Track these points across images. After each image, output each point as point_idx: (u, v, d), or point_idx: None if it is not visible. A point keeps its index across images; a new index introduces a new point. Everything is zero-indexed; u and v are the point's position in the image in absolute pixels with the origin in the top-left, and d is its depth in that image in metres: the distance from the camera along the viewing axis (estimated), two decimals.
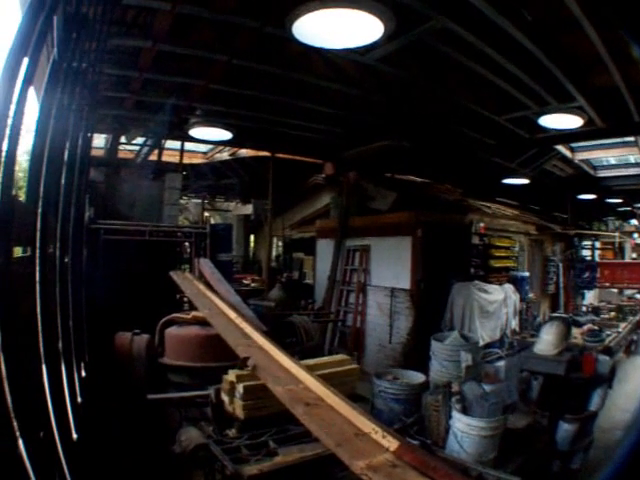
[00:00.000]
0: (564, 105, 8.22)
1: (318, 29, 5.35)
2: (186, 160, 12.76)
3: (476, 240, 11.48)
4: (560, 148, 11.34)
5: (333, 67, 7.38)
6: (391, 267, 10.44)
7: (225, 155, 13.58)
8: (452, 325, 10.23)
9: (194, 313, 7.07)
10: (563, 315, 12.96)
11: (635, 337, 15.16)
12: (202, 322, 6.74)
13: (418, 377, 7.40)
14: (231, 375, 5.14)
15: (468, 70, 7.16)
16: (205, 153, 14.07)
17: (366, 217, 11.10)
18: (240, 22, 6.06)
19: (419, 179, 11.73)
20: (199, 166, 14.11)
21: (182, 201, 16.34)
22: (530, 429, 6.92)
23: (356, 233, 11.20)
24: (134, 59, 7.09)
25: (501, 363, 8.42)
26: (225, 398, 5.22)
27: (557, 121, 8.81)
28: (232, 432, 4.95)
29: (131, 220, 9.67)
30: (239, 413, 5.00)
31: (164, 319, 7.02)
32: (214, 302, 7.16)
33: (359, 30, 5.37)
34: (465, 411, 6.36)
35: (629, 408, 10.05)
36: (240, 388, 4.98)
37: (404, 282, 10.13)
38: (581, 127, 8.97)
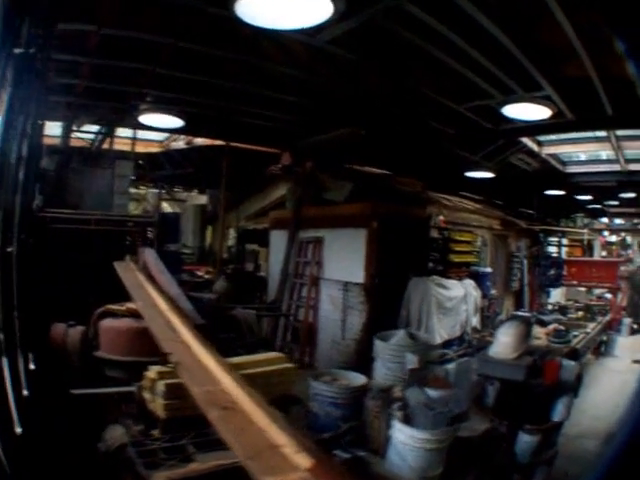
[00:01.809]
0: (530, 94, 7.87)
1: (263, 9, 5.12)
2: (142, 149, 12.61)
3: (435, 234, 11.20)
4: (526, 141, 11.11)
5: (284, 51, 7.06)
6: (345, 260, 10.17)
7: (181, 144, 13.26)
8: (409, 321, 9.96)
9: (128, 305, 6.73)
10: (524, 314, 12.76)
11: (605, 338, 15.00)
12: (137, 314, 6.39)
13: (359, 379, 6.94)
14: (152, 372, 4.88)
15: (428, 55, 6.80)
16: (161, 142, 13.74)
17: (320, 208, 10.85)
18: (183, 2, 5.83)
19: (378, 170, 11.37)
20: (155, 155, 13.76)
21: (141, 191, 16.23)
22: (486, 439, 6.55)
23: (310, 224, 10.94)
24: (82, 44, 6.83)
25: (452, 365, 7.82)
26: (146, 396, 4.94)
27: (523, 112, 8.39)
28: (156, 432, 4.69)
29: (82, 209, 9.54)
30: (160, 412, 4.73)
31: (99, 310, 6.69)
32: (150, 294, 6.82)
33: (307, 9, 5.14)
34: (408, 420, 5.97)
35: (598, 415, 9.96)
36: (161, 386, 4.70)
37: (358, 276, 9.84)
38: (549, 119, 8.55)
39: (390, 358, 7.40)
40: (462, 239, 11.77)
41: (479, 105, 8.65)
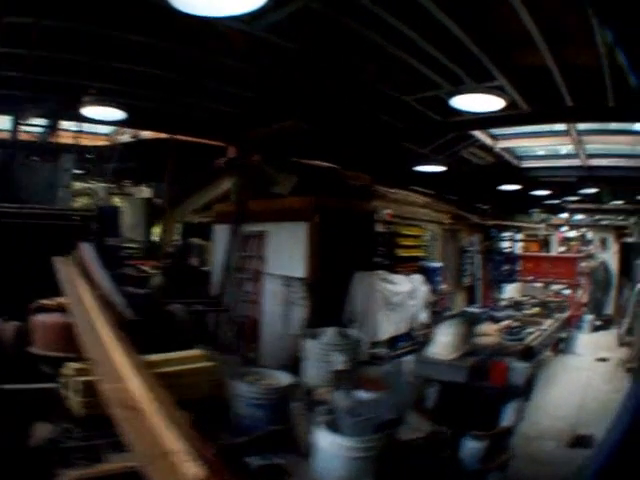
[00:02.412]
0: (481, 84, 7.54)
1: None
2: (88, 142, 12.25)
3: (381, 228, 10.97)
4: (479, 135, 10.94)
5: (223, 40, 6.74)
6: (287, 254, 9.98)
7: (127, 137, 12.98)
8: (354, 317, 9.77)
9: (58, 300, 6.53)
10: (475, 310, 12.56)
11: (564, 335, 14.88)
12: (68, 309, 6.22)
13: (285, 379, 6.63)
14: (70, 368, 4.60)
15: (373, 45, 6.54)
16: (108, 135, 13.43)
17: (264, 202, 10.66)
18: None
19: (325, 164, 11.15)
20: (103, 148, 13.48)
21: (92, 185, 15.96)
22: (428, 444, 6.19)
23: (254, 218, 10.76)
24: (23, 36, 6.61)
25: (387, 366, 7.55)
26: (66, 392, 4.66)
27: (474, 103, 7.98)
28: (77, 430, 4.47)
29: (28, 203, 9.15)
30: (78, 410, 4.41)
31: (33, 305, 6.48)
32: (79, 289, 6.60)
33: None
34: (334, 425, 5.65)
35: (559, 414, 9.87)
36: (78, 383, 4.40)
37: (300, 270, 9.64)
38: (502, 111, 8.17)
39: (320, 357, 7.03)
40: (410, 233, 11.61)
41: (428, 96, 8.37)
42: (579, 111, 8.69)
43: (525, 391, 7.23)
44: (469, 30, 5.96)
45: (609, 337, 18.17)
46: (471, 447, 6.22)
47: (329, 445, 5.45)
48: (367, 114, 9.12)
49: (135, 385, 4.03)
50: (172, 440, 3.26)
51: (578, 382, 12.31)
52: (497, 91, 7.55)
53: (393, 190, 11.44)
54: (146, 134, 12.55)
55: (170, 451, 3.16)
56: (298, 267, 9.67)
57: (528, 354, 9.81)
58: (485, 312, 12.61)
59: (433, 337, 7.32)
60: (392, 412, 6.12)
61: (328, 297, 9.60)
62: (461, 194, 15.38)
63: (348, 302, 9.83)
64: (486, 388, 6.66)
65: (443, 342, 6.89)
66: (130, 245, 14.58)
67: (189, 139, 11.37)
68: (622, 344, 15.16)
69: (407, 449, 5.96)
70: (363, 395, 6.03)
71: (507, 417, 6.71)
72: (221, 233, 11.63)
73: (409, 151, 10.76)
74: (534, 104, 8.36)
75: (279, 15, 5.76)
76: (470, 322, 7.74)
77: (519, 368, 7.19)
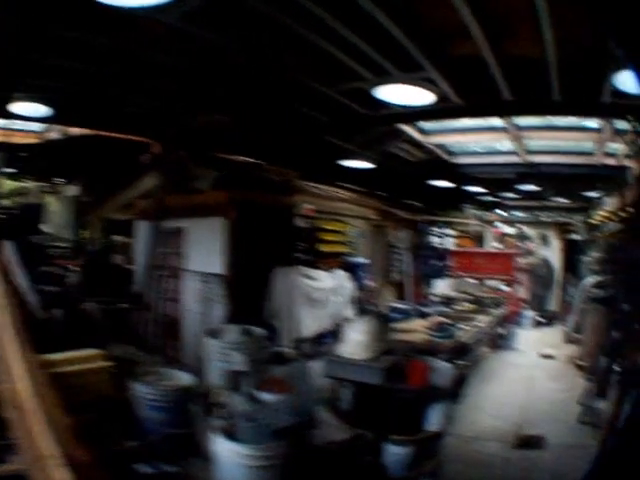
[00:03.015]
0: (408, 75, 7.01)
1: None
2: (18, 140, 12.11)
3: (303, 223, 10.83)
4: (409, 130, 10.70)
5: (143, 32, 6.51)
6: (205, 251, 9.88)
7: (57, 134, 12.75)
8: (275, 314, 9.72)
9: None
10: (402, 306, 12.45)
11: (502, 331, 14.91)
12: None
13: (185, 380, 6.41)
14: None
15: (294, 33, 6.07)
16: (38, 132, 13.16)
17: (184, 197, 10.51)
18: None
19: (249, 159, 11.02)
20: (33, 146, 13.27)
21: (23, 184, 15.74)
22: (347, 449, 5.97)
23: (174, 214, 10.58)
24: None
25: (294, 366, 7.07)
26: None
27: (401, 95, 7.58)
28: None
29: None
30: None
31: None
32: None
33: None
34: (231, 431, 5.38)
35: (499, 413, 9.73)
36: None
37: (218, 267, 9.56)
38: (432, 104, 7.86)
39: (221, 357, 6.74)
40: (333, 229, 11.48)
41: (352, 89, 7.95)
42: (518, 105, 8.39)
43: (452, 392, 6.94)
44: (396, 17, 5.60)
45: (553, 333, 18.37)
46: (395, 453, 5.98)
47: (226, 453, 5.22)
48: (290, 107, 8.83)
49: (24, 386, 3.94)
50: (48, 443, 3.18)
51: (521, 379, 12.25)
52: (426, 83, 7.23)
53: (317, 185, 11.30)
54: (75, 131, 12.25)
55: (44, 455, 3.07)
56: (216, 263, 9.58)
57: (459, 351, 9.82)
58: (413, 308, 12.62)
59: (344, 335, 6.98)
60: (298, 416, 5.90)
61: (247, 294, 9.53)
62: (390, 190, 15.28)
63: (268, 299, 9.75)
64: (404, 390, 6.31)
65: (355, 341, 6.51)
66: (57, 243, 14.36)
67: (115, 135, 11.14)
68: (569, 341, 15.17)
69: (322, 455, 5.78)
70: (265, 397, 5.80)
71: (432, 421, 6.38)
72: (142, 230, 11.47)
73: (335, 146, 10.54)
74: (467, 97, 7.97)
75: (195, 2, 5.60)
76: (385, 319, 7.44)
77: (442, 368, 6.85)
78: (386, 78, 7.16)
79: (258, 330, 7.72)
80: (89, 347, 6.35)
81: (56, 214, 15.04)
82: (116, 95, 8.79)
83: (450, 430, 7.18)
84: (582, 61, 6.64)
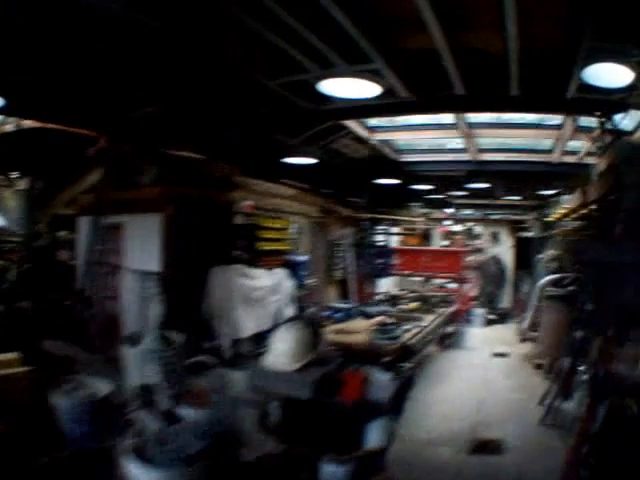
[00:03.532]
0: (354, 67, 6.77)
1: None
2: None
3: (242, 220, 10.74)
4: (354, 126, 10.71)
5: (86, 20, 6.33)
6: (143, 247, 9.72)
7: (10, 127, 12.56)
8: (212, 314, 9.62)
9: None
10: (343, 305, 12.31)
11: (452, 330, 14.91)
12: None
13: (104, 389, 6.04)
14: None
15: (234, 20, 5.90)
16: None
17: (124, 192, 10.32)
18: None
19: (191, 154, 10.91)
20: None
21: None
22: (279, 468, 5.47)
23: (114, 210, 10.38)
24: None
25: (214, 376, 6.48)
26: None
27: (345, 89, 7.29)
28: None
29: None
30: None
31: None
32: None
33: None
34: (142, 451, 4.92)
35: (452, 415, 9.64)
36: None
37: (155, 264, 9.43)
38: (380, 99, 7.65)
39: (139, 366, 6.13)
40: (273, 226, 11.33)
41: (295, 81, 7.70)
42: (472, 100, 8.30)
43: (393, 406, 6.09)
44: (343, 4, 5.37)
45: (506, 331, 18.60)
46: (330, 472, 5.45)
47: (137, 477, 4.84)
48: (232, 101, 8.65)
49: None
50: None
51: (475, 380, 12.14)
52: (372, 75, 6.96)
53: (258, 181, 11.19)
54: (27, 123, 12.07)
55: None
56: (153, 261, 9.45)
57: (404, 353, 9.80)
58: (355, 308, 12.62)
59: (271, 343, 6.46)
60: (219, 432, 5.48)
61: (185, 293, 9.40)
62: (334, 187, 15.20)
63: (206, 298, 9.66)
64: (337, 405, 5.72)
65: (282, 350, 6.03)
66: (10, 238, 14.18)
67: (65, 128, 10.97)
68: (524, 339, 15.28)
69: (250, 474, 5.39)
70: (184, 412, 5.50)
71: (371, 438, 5.66)
72: (85, 226, 11.26)
73: (277, 142, 10.50)
74: (418, 92, 7.82)
75: None
76: (316, 324, 6.86)
77: (381, 381, 6.11)
78: (331, 70, 6.88)
79: (177, 336, 7.02)
80: (22, 347, 6.25)
81: (10, 208, 14.82)
82: (64, 86, 8.67)
83: (392, 446, 6.21)
84: (547, 55, 6.64)
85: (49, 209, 14.12)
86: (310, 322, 7.03)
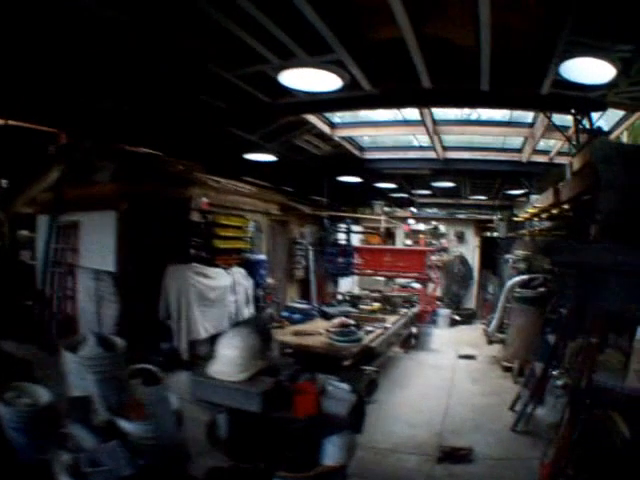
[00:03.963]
0: (315, 58, 6.52)
1: None
2: None
3: (198, 218, 10.66)
4: (316, 122, 10.61)
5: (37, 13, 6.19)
6: (98, 246, 9.77)
7: None
8: (169, 314, 9.63)
9: None
10: (301, 306, 12.17)
11: (415, 331, 14.75)
12: None
13: (44, 398, 5.45)
14: None
15: (190, 9, 5.66)
16: None
17: (81, 190, 10.24)
18: None
19: (149, 151, 10.82)
20: None
21: None
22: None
23: (71, 207, 10.30)
24: None
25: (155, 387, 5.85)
26: None
27: (306, 81, 7.07)
28: None
29: None
30: None
31: None
32: None
33: None
34: (77, 470, 4.49)
35: (417, 421, 9.04)
36: None
37: (109, 263, 9.48)
38: (341, 91, 7.42)
39: (82, 373, 5.49)
40: (230, 223, 11.26)
41: (254, 73, 7.43)
42: (438, 94, 8.17)
43: (351, 422, 5.44)
44: None
45: (472, 333, 18.26)
46: None
47: None
48: (191, 95, 8.48)
49: None
50: None
51: (441, 383, 11.73)
52: (334, 67, 6.71)
53: (216, 178, 11.14)
54: None
55: None
56: (108, 260, 9.48)
57: (365, 356, 9.56)
58: (314, 307, 12.58)
59: (216, 350, 5.71)
60: (159, 447, 5.17)
61: (140, 292, 9.45)
62: (295, 185, 15.19)
63: (162, 298, 9.66)
64: (288, 420, 5.20)
65: (228, 357, 5.35)
66: None
67: (25, 125, 10.86)
68: (492, 341, 14.98)
69: None
70: (123, 426, 5.09)
71: (330, 454, 5.18)
72: (43, 224, 11.12)
73: (237, 137, 10.41)
74: (382, 85, 7.65)
75: None
76: (265, 330, 6.38)
77: (338, 393, 5.52)
78: (291, 61, 6.66)
79: (119, 341, 6.21)
80: None
81: None
82: (24, 82, 8.50)
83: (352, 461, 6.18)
84: (521, 48, 6.53)
85: (10, 208, 13.98)
86: (260, 326, 6.68)
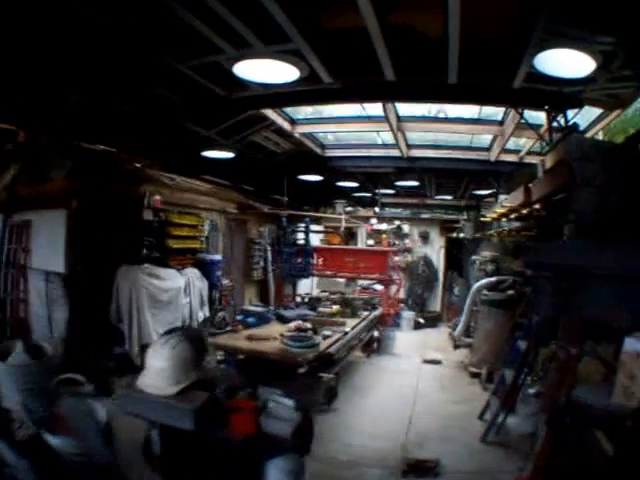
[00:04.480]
0: (271, 47, 6.27)
1: None
2: None
3: (151, 216, 10.63)
4: (275, 117, 10.50)
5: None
6: (48, 246, 9.67)
7: None
8: (120, 317, 9.53)
9: None
10: (256, 309, 12.02)
11: (377, 334, 14.69)
12: None
13: None
14: None
15: None
16: None
17: (34, 188, 10.04)
18: None
19: (104, 147, 10.70)
20: None
21: None
22: None
23: (25, 206, 10.11)
24: None
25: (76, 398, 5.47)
26: None
27: (263, 72, 6.92)
28: None
29: None
30: None
31: None
32: None
33: None
34: None
35: (378, 432, 8.79)
36: None
37: (59, 264, 9.39)
38: (298, 84, 7.33)
39: (10, 383, 5.16)
40: (184, 222, 11.18)
41: (208, 64, 7.11)
42: (403, 87, 7.97)
43: (298, 441, 4.91)
44: None
45: (438, 335, 18.39)
46: None
47: None
48: (145, 89, 8.19)
49: None
50: None
51: (404, 389, 11.57)
52: (291, 57, 6.51)
53: (171, 175, 11.04)
54: None
55: None
56: (58, 260, 9.39)
57: (323, 362, 9.39)
58: (270, 310, 12.46)
59: (146, 360, 5.21)
60: (85, 466, 4.82)
61: (92, 295, 9.38)
62: (254, 183, 15.12)
63: (114, 300, 9.61)
64: (225, 439, 4.71)
65: (156, 369, 4.70)
66: None
67: None
68: (458, 346, 14.91)
69: None
70: (49, 441, 4.76)
71: (271, 477, 4.62)
72: None
73: (194, 134, 10.34)
74: (343, 77, 7.42)
75: None
76: (198, 339, 5.74)
77: (280, 411, 5.01)
78: (247, 51, 6.40)
79: (49, 349, 5.83)
80: None
81: None
82: None
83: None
84: (493, 38, 6.34)
85: None
86: (193, 334, 5.78)
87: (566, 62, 6.07)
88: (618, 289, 5.67)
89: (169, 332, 4.88)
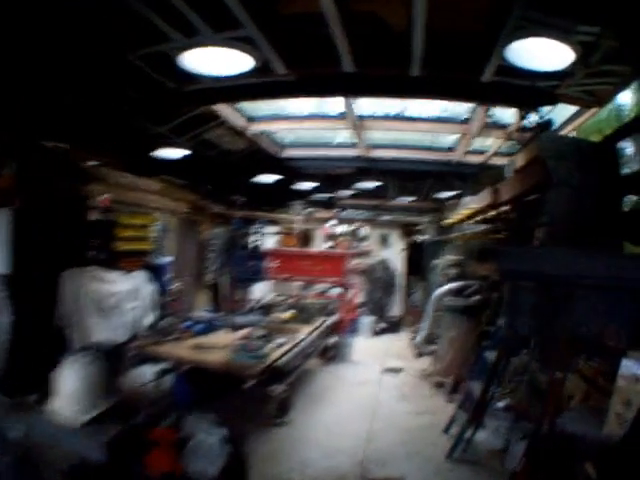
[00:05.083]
0: (220, 35, 6.02)
1: None
2: None
3: (98, 216, 10.31)
4: (229, 114, 10.48)
5: None
6: None
7: None
8: (65, 322, 9.32)
9: None
10: (202, 315, 11.92)
11: (333, 341, 14.61)
12: None
13: None
14: None
15: None
16: None
17: None
18: None
19: (55, 144, 10.55)
20: None
21: None
22: None
23: None
24: None
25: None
26: None
27: (212, 63, 6.65)
28: None
29: None
30: None
31: None
32: None
33: None
34: None
35: (338, 448, 8.58)
36: None
37: (2, 266, 9.00)
38: (252, 76, 7.20)
39: None
40: (133, 223, 11.02)
41: (157, 54, 6.83)
42: (362, 79, 7.79)
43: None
44: None
45: (398, 342, 18.47)
46: None
47: None
48: (95, 81, 7.92)
49: None
50: None
51: (363, 400, 11.47)
52: (243, 45, 6.25)
53: (119, 173, 10.88)
54: None
55: None
56: (1, 261, 9.08)
57: (273, 374, 9.03)
58: (219, 317, 12.49)
59: (56, 382, 5.11)
60: None
61: (36, 298, 9.13)
62: (206, 182, 15.02)
63: (59, 304, 9.38)
64: (140, 476, 4.49)
65: (65, 393, 4.68)
66: None
67: None
68: (420, 354, 15.05)
69: None
70: None
71: None
72: None
73: (146, 130, 10.23)
74: (297, 68, 7.32)
75: None
76: (116, 357, 5.29)
77: (207, 447, 4.68)
78: (194, 39, 6.13)
79: None
80: None
81: None
82: None
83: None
84: (461, 26, 6.21)
85: None
86: (112, 351, 5.07)
87: (541, 53, 5.85)
88: (611, 302, 5.41)
89: (82, 349, 4.48)
